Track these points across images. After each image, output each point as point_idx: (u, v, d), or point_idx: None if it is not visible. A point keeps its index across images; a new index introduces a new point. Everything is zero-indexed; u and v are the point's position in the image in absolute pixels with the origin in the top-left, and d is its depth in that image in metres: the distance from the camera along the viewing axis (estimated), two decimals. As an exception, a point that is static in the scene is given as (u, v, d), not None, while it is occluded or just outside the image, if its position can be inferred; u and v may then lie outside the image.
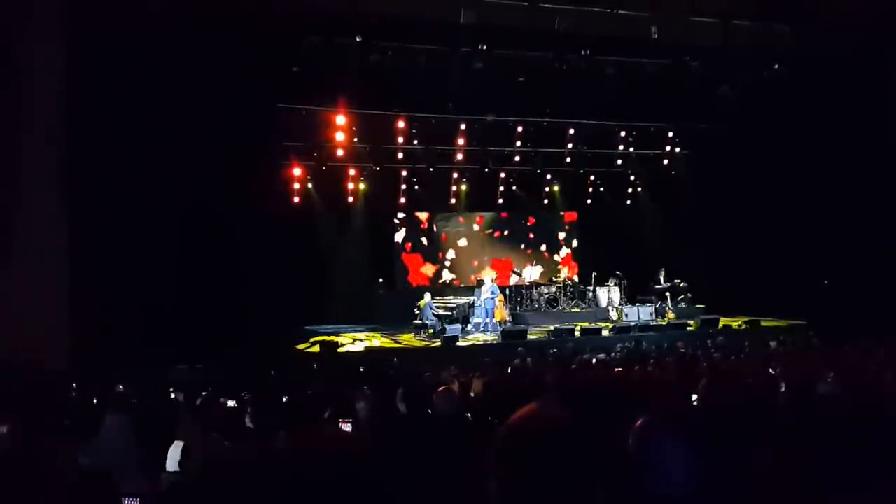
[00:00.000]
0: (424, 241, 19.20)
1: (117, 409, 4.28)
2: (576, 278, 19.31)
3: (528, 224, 20.30)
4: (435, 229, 19.34)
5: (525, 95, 14.94)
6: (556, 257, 20.38)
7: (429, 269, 18.76)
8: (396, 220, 19.09)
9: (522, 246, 20.04)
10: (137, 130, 11.53)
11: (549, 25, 12.62)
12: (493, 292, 15.29)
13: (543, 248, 20.35)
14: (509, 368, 8.65)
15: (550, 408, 1.45)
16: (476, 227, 19.76)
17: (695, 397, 4.01)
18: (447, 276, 19.12)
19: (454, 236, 19.51)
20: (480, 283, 16.03)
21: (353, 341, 14.47)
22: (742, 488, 2.42)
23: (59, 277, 10.61)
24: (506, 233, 20.03)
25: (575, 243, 20.64)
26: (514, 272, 17.98)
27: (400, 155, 16.99)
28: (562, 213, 20.57)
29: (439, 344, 13.51)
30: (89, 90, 10.92)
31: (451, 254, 19.37)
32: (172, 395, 7.42)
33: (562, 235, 20.62)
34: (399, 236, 19.10)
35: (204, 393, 7.31)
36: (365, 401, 5.00)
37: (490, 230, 19.88)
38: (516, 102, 15.65)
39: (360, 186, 17.72)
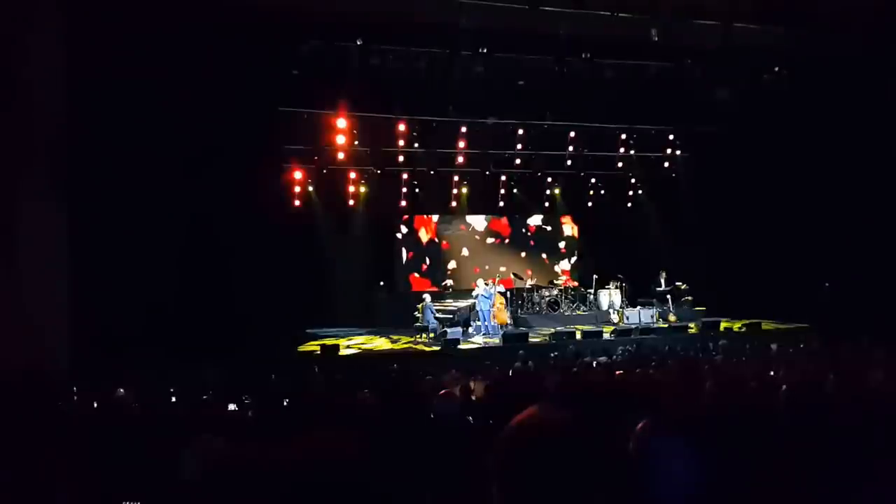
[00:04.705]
0: (428, 259, 19.17)
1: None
2: (576, 282, 19.31)
3: (529, 233, 20.29)
4: (437, 240, 19.35)
5: (525, 98, 14.96)
6: (557, 268, 20.36)
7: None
8: (399, 236, 19.06)
9: (523, 254, 20.02)
10: (138, 133, 11.55)
11: (549, 28, 12.63)
12: (487, 294, 15.28)
13: (544, 255, 20.34)
14: (510, 371, 8.65)
15: (552, 411, 1.44)
16: (477, 237, 19.75)
17: (697, 400, 4.01)
18: (449, 282, 19.07)
19: (455, 243, 19.48)
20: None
21: (361, 344, 14.46)
22: (743, 490, 2.42)
23: (60, 281, 10.61)
24: (506, 241, 20.02)
25: (574, 258, 20.61)
26: (516, 275, 17.95)
27: (401, 158, 17.02)
28: (563, 224, 20.57)
29: (440, 347, 13.51)
30: (90, 92, 10.93)
31: (452, 264, 19.37)
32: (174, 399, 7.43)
33: (562, 244, 20.61)
34: (403, 254, 19.07)
35: (205, 397, 7.32)
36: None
37: (492, 238, 19.87)
38: (517, 105, 15.67)
39: (360, 189, 17.73)
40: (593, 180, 19.54)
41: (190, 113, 12.02)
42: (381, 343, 14.77)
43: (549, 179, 19.43)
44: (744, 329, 14.75)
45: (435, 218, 19.43)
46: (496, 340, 14.16)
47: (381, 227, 18.43)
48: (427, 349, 13.76)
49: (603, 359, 9.11)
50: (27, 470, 3.52)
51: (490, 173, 18.10)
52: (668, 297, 16.92)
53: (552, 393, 4.88)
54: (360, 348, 14.02)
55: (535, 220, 20.38)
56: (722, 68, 14.53)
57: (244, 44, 11.77)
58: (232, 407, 6.35)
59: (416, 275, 19.07)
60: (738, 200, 16.94)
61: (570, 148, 17.66)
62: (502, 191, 19.13)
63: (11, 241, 10.14)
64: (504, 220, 20.05)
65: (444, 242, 19.47)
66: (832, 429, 3.10)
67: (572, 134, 17.34)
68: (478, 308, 15.55)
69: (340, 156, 15.85)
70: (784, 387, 3.82)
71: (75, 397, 7.39)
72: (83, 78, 10.82)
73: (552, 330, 14.79)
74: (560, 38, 12.90)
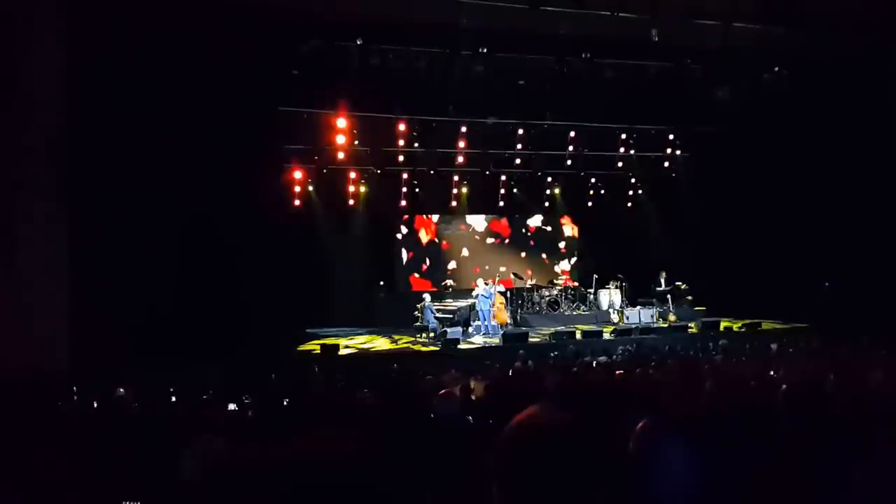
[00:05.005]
0: (428, 260, 19.16)
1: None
2: (576, 283, 19.29)
3: (529, 233, 20.29)
4: (437, 240, 19.35)
5: (525, 98, 14.96)
6: (556, 268, 20.35)
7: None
8: (399, 237, 19.05)
9: (523, 254, 20.00)
10: (138, 133, 11.54)
11: (549, 28, 12.63)
12: (487, 294, 15.29)
13: (544, 255, 20.34)
14: (510, 371, 8.64)
15: (552, 411, 1.44)
16: (477, 237, 19.74)
17: (697, 400, 4.00)
18: (449, 282, 19.06)
19: (456, 243, 19.46)
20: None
21: (362, 344, 14.46)
22: (743, 490, 2.42)
23: (60, 281, 10.61)
24: (506, 241, 20.02)
25: (574, 258, 20.60)
26: (516, 275, 17.94)
27: (401, 158, 17.01)
28: (563, 225, 20.55)
29: (440, 347, 13.51)
30: (90, 93, 10.93)
31: (452, 264, 19.36)
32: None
33: (562, 244, 20.60)
34: (403, 254, 19.07)
35: (205, 396, 7.32)
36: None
37: (492, 239, 19.85)
38: (517, 105, 15.66)
39: (360, 189, 17.72)
40: (593, 180, 19.52)
41: (190, 113, 12.02)
42: (381, 343, 14.76)
43: (549, 179, 19.40)
44: (744, 329, 14.75)
45: (435, 218, 19.41)
46: (496, 340, 14.16)
47: (381, 227, 18.41)
48: (427, 349, 13.76)
49: (603, 359, 9.10)
50: (27, 470, 3.52)
51: (490, 173, 18.09)
52: (668, 296, 16.91)
53: (552, 393, 4.87)
54: (360, 348, 14.02)
55: (535, 222, 20.36)
56: (722, 68, 14.53)
57: (244, 44, 11.76)
58: (232, 407, 6.35)
59: (416, 275, 19.07)
60: (738, 200, 16.93)
61: (570, 148, 17.66)
62: (502, 191, 19.11)
63: (11, 241, 10.15)
64: (504, 220, 20.02)
65: (444, 242, 19.44)
66: (832, 429, 3.10)
67: (572, 134, 17.34)
68: (478, 308, 15.55)
69: (340, 155, 15.83)
70: (784, 386, 3.82)
71: (75, 397, 7.39)
72: (83, 78, 10.82)
73: (552, 330, 14.79)
74: (560, 37, 12.90)
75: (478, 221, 19.77)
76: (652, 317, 16.23)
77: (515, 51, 13.63)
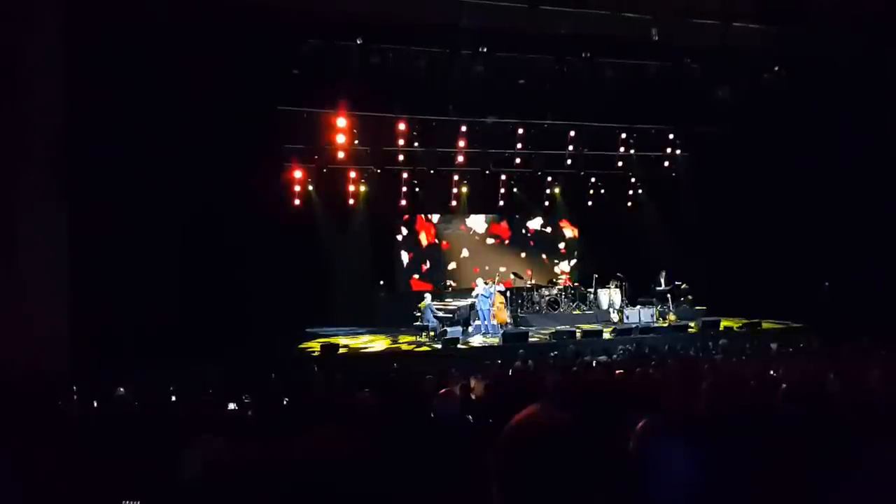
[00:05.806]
0: (428, 262, 19.14)
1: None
2: (576, 283, 19.28)
3: (529, 234, 20.29)
4: (437, 241, 19.34)
5: (525, 98, 14.95)
6: (556, 269, 20.34)
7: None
8: (399, 238, 19.04)
9: (523, 255, 20.00)
10: (138, 133, 11.55)
11: (549, 28, 12.64)
12: (487, 293, 15.29)
13: (544, 256, 20.33)
14: (510, 371, 8.65)
15: (551, 410, 1.44)
16: (477, 237, 19.73)
17: (697, 400, 4.00)
18: (450, 281, 19.07)
19: (456, 244, 19.45)
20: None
21: (361, 343, 14.46)
22: (743, 490, 2.42)
23: (60, 280, 10.62)
24: (506, 242, 20.01)
25: (574, 260, 20.58)
26: (516, 275, 17.94)
27: (401, 157, 17.01)
28: (563, 228, 20.55)
29: (440, 346, 13.51)
30: (90, 93, 10.93)
31: (452, 265, 19.35)
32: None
33: (562, 245, 20.59)
34: (403, 255, 19.05)
35: (205, 396, 7.32)
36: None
37: (492, 239, 19.84)
38: (517, 105, 15.66)
39: (360, 189, 17.73)
40: (593, 180, 19.53)
41: (190, 112, 12.02)
42: (381, 342, 14.76)
43: (549, 179, 19.41)
44: (743, 328, 14.75)
45: (435, 219, 19.41)
46: (496, 340, 14.16)
47: (381, 226, 18.41)
48: (427, 349, 13.76)
49: (603, 358, 9.11)
50: (27, 470, 3.52)
51: (490, 172, 18.08)
52: (668, 296, 16.91)
53: (552, 393, 4.87)
54: (360, 348, 14.01)
55: (535, 224, 20.36)
56: (721, 68, 14.53)
57: (244, 43, 11.77)
58: (232, 406, 6.35)
59: (416, 277, 19.06)
60: (738, 200, 16.94)
61: (570, 147, 17.66)
62: (502, 190, 19.12)
63: (11, 241, 10.15)
64: (504, 223, 20.03)
65: (445, 243, 19.44)
66: (832, 428, 3.10)
67: (572, 133, 17.34)
68: (478, 307, 15.56)
69: (340, 155, 15.83)
70: (784, 386, 3.82)
71: (75, 397, 7.39)
72: (83, 78, 10.82)
73: (552, 329, 14.78)
74: (560, 37, 12.91)
75: (478, 223, 19.75)
76: (652, 316, 16.24)
77: (515, 50, 13.62)
